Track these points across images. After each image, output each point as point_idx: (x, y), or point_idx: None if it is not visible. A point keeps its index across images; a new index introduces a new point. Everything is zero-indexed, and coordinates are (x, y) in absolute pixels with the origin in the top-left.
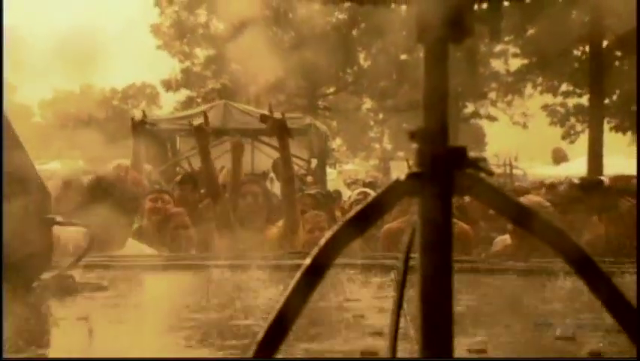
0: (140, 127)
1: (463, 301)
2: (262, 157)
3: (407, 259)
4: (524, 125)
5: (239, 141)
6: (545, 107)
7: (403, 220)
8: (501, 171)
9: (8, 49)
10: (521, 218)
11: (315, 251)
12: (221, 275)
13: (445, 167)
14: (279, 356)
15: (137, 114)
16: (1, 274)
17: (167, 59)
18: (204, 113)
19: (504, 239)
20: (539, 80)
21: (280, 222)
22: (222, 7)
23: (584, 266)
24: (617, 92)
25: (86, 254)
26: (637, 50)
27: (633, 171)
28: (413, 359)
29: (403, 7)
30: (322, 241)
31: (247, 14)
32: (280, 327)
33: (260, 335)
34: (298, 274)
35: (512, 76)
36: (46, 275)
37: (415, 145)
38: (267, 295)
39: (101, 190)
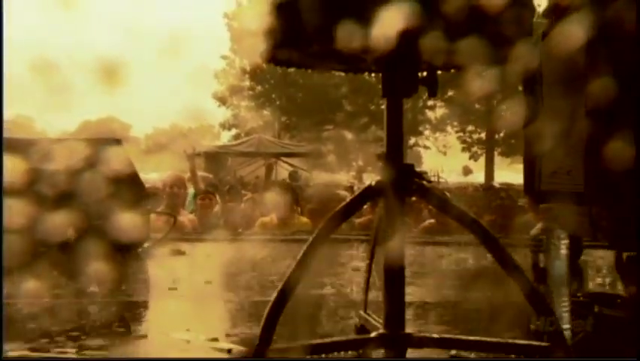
0: (191, 156)
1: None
2: (281, 170)
3: (376, 235)
4: (445, 153)
5: (271, 163)
6: (459, 139)
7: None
8: (432, 180)
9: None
10: (447, 209)
11: (316, 231)
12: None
13: (400, 177)
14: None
15: (189, 149)
16: (1, 275)
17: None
18: None
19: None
20: (455, 123)
21: None
22: (260, 75)
23: (488, 240)
24: (503, 131)
25: (170, 233)
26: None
27: (511, 181)
28: (414, 360)
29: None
30: (321, 224)
31: (276, 81)
32: (294, 279)
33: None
34: (306, 246)
35: (438, 121)
36: (145, 244)
37: (380, 163)
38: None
39: None
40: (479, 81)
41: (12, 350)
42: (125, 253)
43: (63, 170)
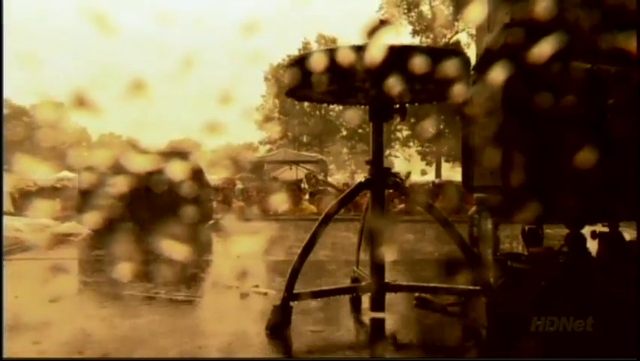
0: (256, 164)
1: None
2: (299, 172)
3: (365, 216)
4: (409, 160)
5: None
6: (418, 151)
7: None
8: (402, 179)
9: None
10: (413, 198)
11: (323, 214)
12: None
13: (381, 176)
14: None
15: (253, 157)
16: (1, 276)
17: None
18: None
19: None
20: (415, 140)
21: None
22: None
23: (442, 221)
24: (446, 145)
25: (225, 215)
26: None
27: (451, 178)
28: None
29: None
30: (327, 209)
31: (296, 112)
32: (309, 247)
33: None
34: (316, 224)
35: (404, 139)
36: (210, 222)
37: (367, 166)
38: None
39: None
40: (432, 112)
41: (131, 290)
42: (196, 229)
43: (162, 172)
